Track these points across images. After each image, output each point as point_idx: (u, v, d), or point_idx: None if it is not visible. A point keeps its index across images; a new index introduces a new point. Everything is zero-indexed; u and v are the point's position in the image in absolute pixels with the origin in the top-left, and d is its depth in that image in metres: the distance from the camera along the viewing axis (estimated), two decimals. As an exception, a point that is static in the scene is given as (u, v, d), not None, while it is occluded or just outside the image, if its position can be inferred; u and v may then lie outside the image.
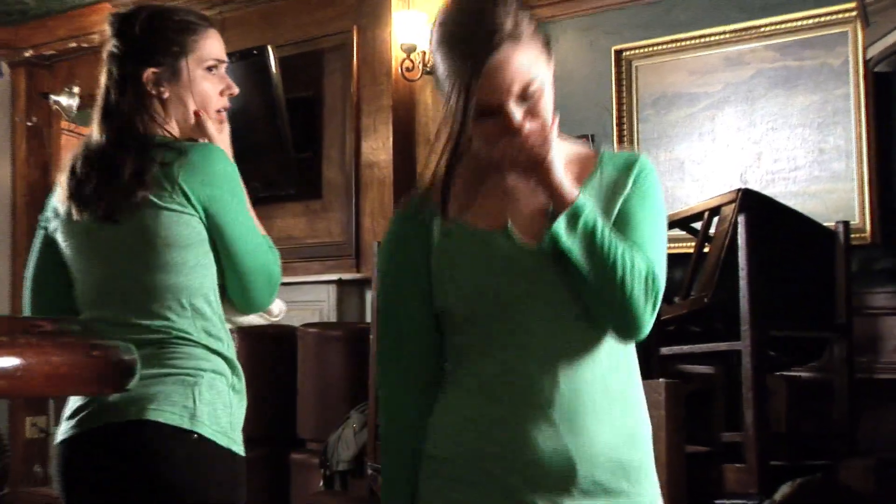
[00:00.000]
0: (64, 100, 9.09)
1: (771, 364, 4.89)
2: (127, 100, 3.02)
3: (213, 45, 3.11)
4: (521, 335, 2.31)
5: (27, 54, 9.53)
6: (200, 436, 2.86)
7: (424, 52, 6.87)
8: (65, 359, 1.59)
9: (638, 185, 2.41)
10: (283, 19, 7.50)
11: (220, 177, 2.98)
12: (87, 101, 9.10)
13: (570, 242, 2.22)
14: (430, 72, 6.78)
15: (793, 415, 5.04)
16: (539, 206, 2.33)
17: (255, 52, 7.16)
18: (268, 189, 6.84)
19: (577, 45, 6.60)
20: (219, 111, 3.11)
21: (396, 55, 6.93)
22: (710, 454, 4.73)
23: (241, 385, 3.00)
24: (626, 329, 2.31)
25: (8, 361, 1.50)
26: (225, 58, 3.12)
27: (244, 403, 3.01)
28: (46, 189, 9.80)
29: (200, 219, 2.92)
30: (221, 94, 3.11)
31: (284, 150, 7.08)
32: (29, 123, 9.69)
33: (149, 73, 3.02)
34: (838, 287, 4.96)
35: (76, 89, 9.07)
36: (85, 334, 1.67)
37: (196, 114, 3.06)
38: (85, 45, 9.10)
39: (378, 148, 7.01)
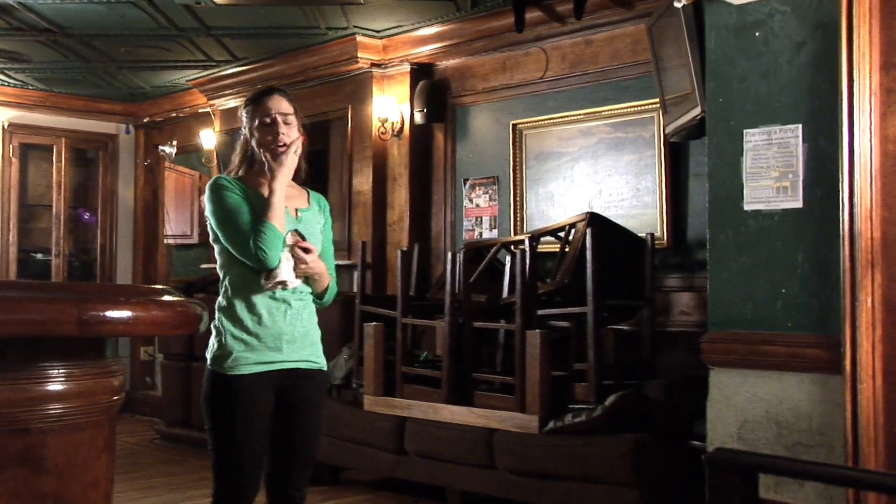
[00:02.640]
0: (167, 149, 9.08)
1: (605, 321, 4.91)
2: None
3: (262, 107, 3.04)
4: None
5: (145, 120, 9.49)
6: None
7: (393, 123, 6.88)
8: (161, 312, 1.62)
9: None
10: (304, 101, 7.42)
11: (206, 199, 2.99)
12: (181, 149, 9.08)
13: None
14: (396, 135, 6.84)
15: (617, 352, 5.08)
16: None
17: (287, 121, 7.16)
18: (294, 207, 6.83)
19: (488, 120, 6.64)
20: (277, 147, 3.00)
21: (375, 124, 6.93)
22: (567, 377, 4.74)
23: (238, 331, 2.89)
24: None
25: (125, 314, 1.53)
26: (272, 113, 3.01)
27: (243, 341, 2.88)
28: (156, 205, 9.82)
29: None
30: (272, 136, 3.00)
31: (303, 184, 7.06)
32: (145, 164, 9.66)
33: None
34: (646, 274, 5.01)
35: (174, 142, 9.09)
36: (174, 297, 1.70)
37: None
38: (181, 115, 9.08)
39: (363, 182, 7.02)
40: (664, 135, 5.27)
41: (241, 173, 3.09)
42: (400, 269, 5.47)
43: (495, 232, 6.50)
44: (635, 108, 5.72)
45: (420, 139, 6.94)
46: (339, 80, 7.20)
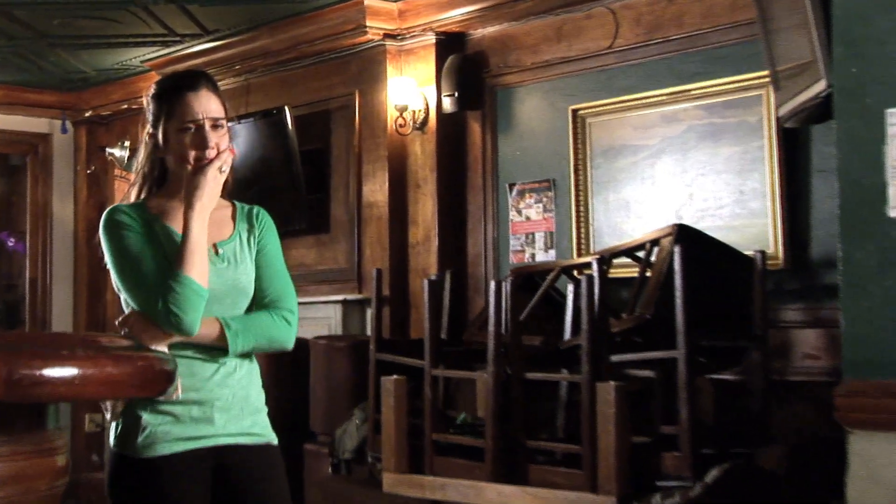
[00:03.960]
0: (117, 151, 9.13)
1: (700, 368, 4.86)
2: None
3: (183, 106, 2.78)
4: None
5: (88, 114, 9.56)
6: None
7: (415, 111, 6.88)
8: (116, 368, 1.59)
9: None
10: (297, 85, 7.52)
11: (101, 238, 2.81)
12: (135, 152, 9.11)
13: None
14: (418, 127, 6.83)
15: (718, 410, 5.03)
16: None
17: (274, 111, 7.19)
18: (284, 225, 6.68)
19: (540, 105, 6.62)
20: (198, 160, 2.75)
21: (391, 114, 6.93)
22: (651, 444, 4.70)
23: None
24: None
25: (68, 371, 1.50)
26: (198, 117, 2.75)
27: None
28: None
29: None
30: (197, 149, 2.75)
31: (298, 192, 7.10)
32: (89, 171, 9.69)
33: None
34: (756, 304, 4.96)
35: (127, 143, 9.14)
36: (133, 347, 1.67)
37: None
38: (135, 106, 9.10)
39: (376, 190, 7.02)
40: (776, 119, 5.23)
41: (143, 195, 2.89)
42: (427, 305, 5.45)
43: (552, 253, 6.48)
44: (736, 85, 5.70)
45: (450, 132, 6.94)
46: (343, 56, 7.23)
